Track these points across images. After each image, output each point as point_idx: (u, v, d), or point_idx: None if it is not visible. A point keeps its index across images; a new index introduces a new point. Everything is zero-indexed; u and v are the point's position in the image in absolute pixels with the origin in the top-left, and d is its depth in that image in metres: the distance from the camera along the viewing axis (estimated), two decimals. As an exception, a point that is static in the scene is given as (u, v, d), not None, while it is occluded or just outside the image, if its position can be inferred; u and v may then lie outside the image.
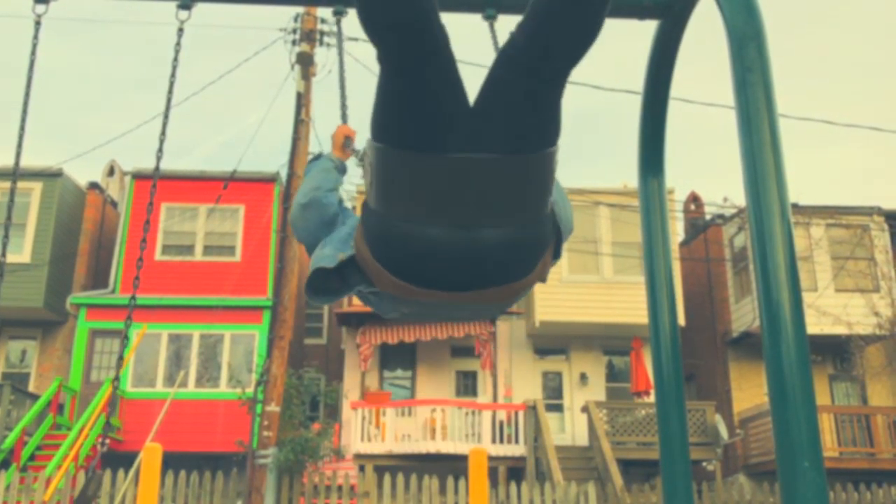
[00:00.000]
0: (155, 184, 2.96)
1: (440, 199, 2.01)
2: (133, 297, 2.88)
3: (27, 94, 2.97)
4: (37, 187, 17.91)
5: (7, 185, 17.41)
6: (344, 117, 3.10)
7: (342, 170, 2.64)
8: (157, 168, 3.00)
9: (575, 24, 1.90)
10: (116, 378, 3.19)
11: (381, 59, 1.94)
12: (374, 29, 1.88)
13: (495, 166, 1.98)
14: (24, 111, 2.97)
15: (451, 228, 2.03)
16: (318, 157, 2.68)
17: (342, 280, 2.31)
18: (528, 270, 2.19)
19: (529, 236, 2.14)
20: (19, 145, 2.97)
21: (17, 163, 2.95)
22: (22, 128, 2.97)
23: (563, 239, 2.36)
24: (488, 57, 3.12)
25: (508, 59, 1.95)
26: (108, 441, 3.27)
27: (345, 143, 2.71)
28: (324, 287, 2.33)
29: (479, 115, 1.95)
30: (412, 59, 1.88)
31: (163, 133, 3.01)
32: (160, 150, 3.00)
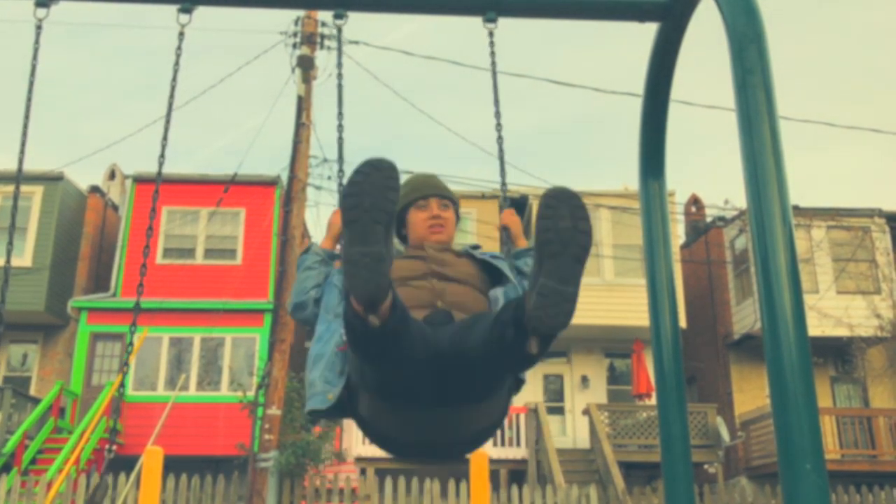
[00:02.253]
0: (157, 189, 2.97)
1: (401, 427, 2.49)
2: (137, 305, 2.88)
3: (29, 98, 2.97)
4: (38, 191, 17.93)
5: (8, 188, 17.42)
6: (340, 141, 3.13)
7: (328, 261, 2.77)
8: (159, 173, 3.00)
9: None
10: (122, 385, 3.19)
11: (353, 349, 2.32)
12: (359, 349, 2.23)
13: (450, 413, 2.41)
14: (27, 115, 2.97)
15: (413, 441, 2.56)
16: (308, 249, 2.81)
17: (337, 406, 2.59)
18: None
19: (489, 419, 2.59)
20: (22, 150, 2.97)
21: (19, 168, 2.95)
22: (24, 132, 2.97)
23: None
24: (487, 57, 3.11)
25: (461, 354, 2.25)
26: (114, 448, 3.25)
27: (339, 233, 2.70)
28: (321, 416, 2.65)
29: (441, 375, 2.27)
30: (390, 359, 2.21)
31: (165, 137, 3.01)
32: (162, 154, 3.00)
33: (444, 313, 2.48)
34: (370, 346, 2.13)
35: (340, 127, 3.13)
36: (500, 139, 3.07)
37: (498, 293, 2.63)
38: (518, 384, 2.68)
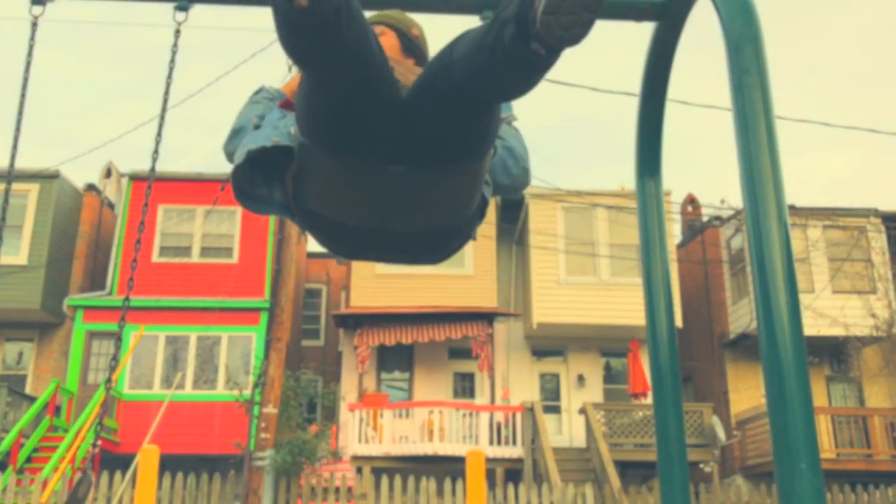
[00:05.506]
0: (150, 185, 2.96)
1: (354, 200, 2.06)
2: (126, 299, 2.87)
3: (23, 96, 2.96)
4: (34, 189, 17.89)
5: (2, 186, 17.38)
6: None
7: (279, 98, 2.48)
8: (152, 169, 2.99)
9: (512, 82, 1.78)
10: (109, 380, 3.18)
11: (303, 73, 1.89)
12: (298, 60, 1.78)
13: (414, 177, 1.98)
14: (20, 112, 2.97)
15: (367, 222, 2.12)
16: (259, 90, 2.52)
17: (267, 185, 2.23)
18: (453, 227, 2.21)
19: (450, 226, 2.20)
20: (14, 146, 2.97)
21: (11, 164, 2.95)
22: (17, 129, 2.97)
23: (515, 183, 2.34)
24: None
25: (444, 69, 1.82)
26: (99, 442, 3.22)
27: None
28: (249, 186, 2.22)
29: (407, 117, 1.88)
30: (338, 81, 1.81)
31: (159, 134, 3.01)
32: (156, 150, 2.99)
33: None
34: (302, 38, 1.68)
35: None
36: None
37: None
38: (483, 208, 2.28)
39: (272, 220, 17.88)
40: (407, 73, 2.07)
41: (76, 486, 3.50)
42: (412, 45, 2.46)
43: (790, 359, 2.13)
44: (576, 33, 1.59)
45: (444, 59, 1.81)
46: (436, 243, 2.25)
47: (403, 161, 1.94)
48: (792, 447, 2.06)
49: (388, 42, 2.39)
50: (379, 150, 1.93)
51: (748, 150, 2.34)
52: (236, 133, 2.34)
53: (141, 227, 2.91)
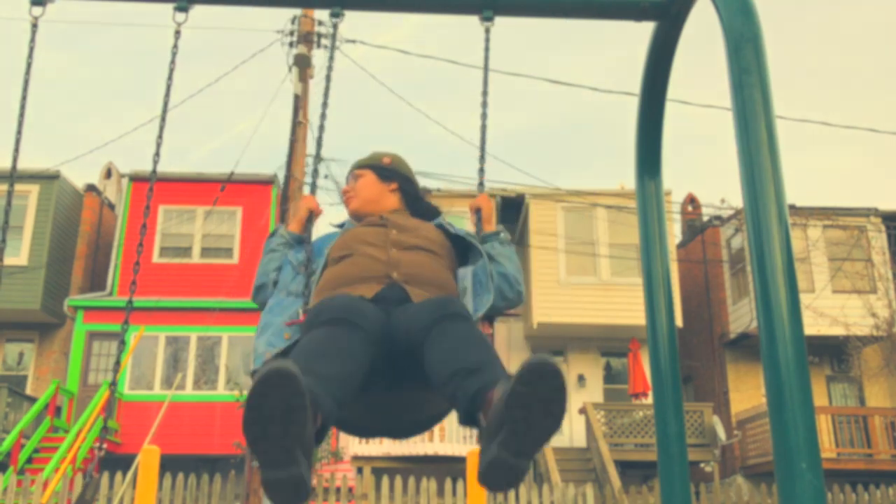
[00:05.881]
0: (152, 187, 2.95)
1: (363, 413, 2.44)
2: (130, 302, 2.87)
3: (24, 98, 2.96)
4: (34, 189, 17.89)
5: (5, 187, 17.40)
6: (321, 128, 3.02)
7: (293, 244, 2.72)
8: (154, 171, 2.99)
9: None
10: (114, 383, 3.19)
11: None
12: None
13: (411, 397, 2.43)
14: (21, 113, 2.97)
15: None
16: (274, 232, 2.76)
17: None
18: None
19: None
20: (16, 148, 2.97)
21: (14, 164, 2.95)
22: (19, 130, 2.97)
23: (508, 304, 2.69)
24: (484, 58, 3.12)
25: (420, 345, 2.16)
26: (105, 445, 3.23)
27: (308, 217, 2.77)
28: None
29: (399, 360, 2.25)
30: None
31: (160, 136, 3.01)
32: (157, 153, 2.99)
33: (397, 289, 2.40)
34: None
35: (322, 127, 3.09)
36: (483, 126, 3.07)
37: (467, 272, 2.57)
38: None
39: (272, 221, 17.89)
40: (382, 205, 2.74)
41: (84, 488, 3.51)
42: (387, 171, 2.84)
43: (790, 358, 2.12)
44: (507, 488, 1.93)
45: (416, 350, 2.17)
46: (437, 419, 2.60)
47: (393, 390, 2.35)
48: (792, 447, 2.06)
49: (368, 178, 2.82)
50: (372, 388, 2.24)
51: (748, 150, 2.34)
52: (259, 290, 2.68)
53: (143, 230, 2.91)
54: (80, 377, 16.90)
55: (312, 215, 2.77)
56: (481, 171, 2.91)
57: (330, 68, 3.13)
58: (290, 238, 2.72)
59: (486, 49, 3.09)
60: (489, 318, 2.66)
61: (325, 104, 2.99)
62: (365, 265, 2.47)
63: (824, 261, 17.97)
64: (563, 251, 18.09)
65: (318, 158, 3.14)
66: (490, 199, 2.85)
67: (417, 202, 2.88)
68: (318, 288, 2.51)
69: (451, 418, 13.29)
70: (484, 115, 3.05)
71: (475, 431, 14.60)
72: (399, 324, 2.22)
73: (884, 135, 34.54)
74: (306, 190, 13.10)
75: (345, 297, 2.23)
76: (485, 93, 3.08)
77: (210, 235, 18.22)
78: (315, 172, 3.00)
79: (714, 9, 2.54)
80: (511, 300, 2.61)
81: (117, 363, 2.83)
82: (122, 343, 2.83)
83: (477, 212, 2.82)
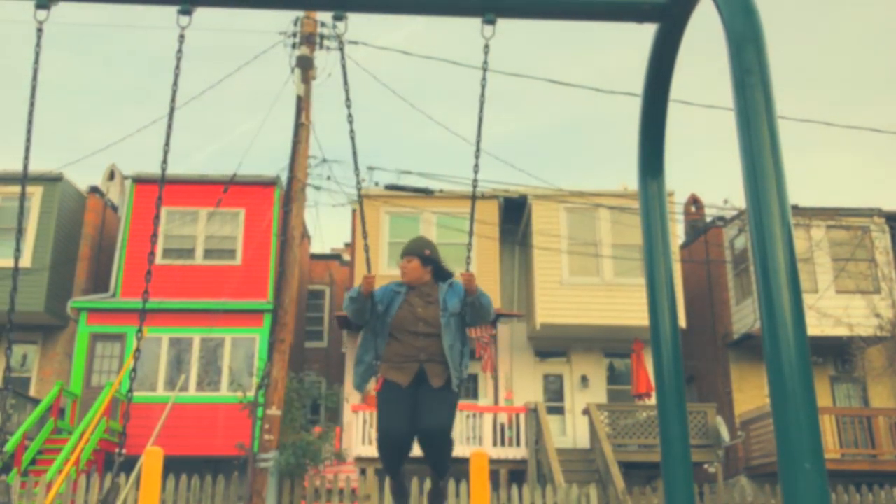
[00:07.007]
0: (160, 196, 2.96)
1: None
2: (143, 310, 2.88)
3: (32, 102, 2.97)
4: (37, 191, 17.92)
5: (9, 189, 17.42)
6: (352, 132, 4.17)
7: (359, 299, 4.42)
8: (162, 178, 3.00)
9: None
10: (130, 390, 3.19)
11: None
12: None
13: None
14: (30, 116, 2.97)
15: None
16: (351, 289, 4.52)
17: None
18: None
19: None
20: (27, 149, 2.97)
21: (25, 166, 2.96)
22: (29, 131, 2.97)
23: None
24: (483, 58, 3.12)
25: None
26: (123, 451, 3.28)
27: (370, 289, 4.47)
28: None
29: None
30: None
31: (167, 144, 3.01)
32: (164, 161, 3.00)
33: (420, 371, 4.40)
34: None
35: (353, 132, 3.51)
36: (479, 132, 3.16)
37: (451, 322, 4.51)
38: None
39: (275, 222, 17.90)
40: (421, 280, 4.59)
41: (106, 493, 3.69)
42: (427, 259, 4.56)
43: (794, 359, 2.12)
44: None
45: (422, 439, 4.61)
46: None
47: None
48: (796, 447, 2.06)
49: (414, 264, 4.54)
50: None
51: (751, 150, 2.34)
52: (357, 363, 4.67)
53: (153, 238, 2.92)
54: (83, 379, 16.91)
55: (368, 283, 4.42)
56: (474, 181, 3.91)
57: (344, 73, 3.17)
58: (355, 294, 4.42)
59: (486, 51, 3.10)
60: (492, 322, 2.94)
61: (348, 103, 4.07)
62: (407, 351, 4.44)
63: (828, 261, 17.95)
64: (566, 252, 18.07)
65: (358, 185, 4.75)
66: (472, 279, 4.33)
67: (441, 272, 4.62)
68: (385, 354, 4.48)
69: (454, 419, 13.21)
70: (480, 119, 3.07)
71: (477, 432, 14.65)
72: (419, 419, 4.37)
73: (887, 135, 34.50)
74: (309, 192, 13.10)
75: (391, 428, 4.37)
76: (482, 95, 3.10)
77: (213, 237, 18.23)
78: (359, 187, 4.76)
79: (716, 10, 2.55)
80: (484, 319, 4.47)
81: (133, 371, 2.84)
82: (138, 351, 2.83)
83: (467, 286, 4.39)
